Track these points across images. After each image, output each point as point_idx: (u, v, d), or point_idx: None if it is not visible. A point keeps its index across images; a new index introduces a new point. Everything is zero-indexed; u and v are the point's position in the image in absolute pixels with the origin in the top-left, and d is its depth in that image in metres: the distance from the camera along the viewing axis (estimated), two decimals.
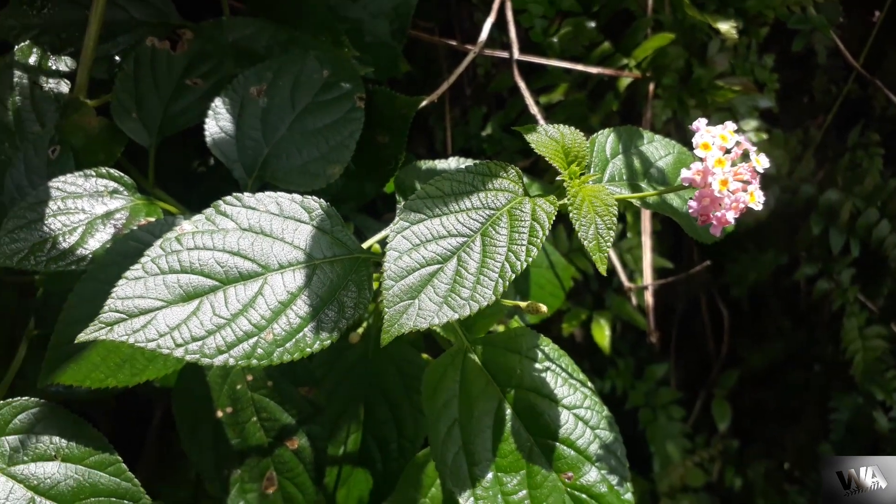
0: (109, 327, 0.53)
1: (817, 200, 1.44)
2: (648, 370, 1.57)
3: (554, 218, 0.53)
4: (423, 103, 0.80)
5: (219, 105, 0.74)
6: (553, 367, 0.60)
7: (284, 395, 0.75)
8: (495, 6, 0.92)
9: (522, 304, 0.63)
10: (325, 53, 0.78)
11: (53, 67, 0.79)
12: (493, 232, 0.53)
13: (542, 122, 1.00)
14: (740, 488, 1.62)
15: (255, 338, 0.55)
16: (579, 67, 0.98)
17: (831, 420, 1.58)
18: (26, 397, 0.66)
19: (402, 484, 0.76)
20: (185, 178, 0.88)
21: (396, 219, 0.53)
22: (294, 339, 0.55)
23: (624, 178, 0.60)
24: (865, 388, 1.54)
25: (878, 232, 1.41)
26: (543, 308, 0.61)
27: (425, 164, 0.77)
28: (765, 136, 1.21)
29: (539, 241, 0.52)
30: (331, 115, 0.76)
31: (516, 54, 0.92)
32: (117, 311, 0.53)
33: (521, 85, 0.91)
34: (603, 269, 0.51)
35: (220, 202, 0.58)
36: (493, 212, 0.54)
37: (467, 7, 1.29)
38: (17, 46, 0.78)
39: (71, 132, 0.77)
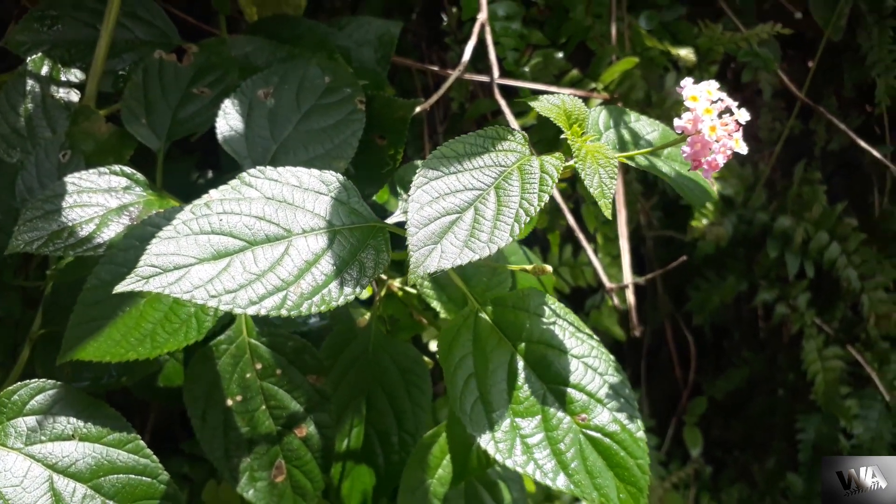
0: (145, 280, 0.55)
1: (772, 227, 1.53)
2: None
3: (561, 170, 0.58)
4: (418, 109, 0.85)
5: (228, 106, 0.78)
6: (560, 321, 0.64)
7: (293, 383, 0.77)
8: (475, 29, 1.00)
9: (528, 266, 0.67)
10: (325, 62, 0.83)
11: (64, 78, 0.83)
12: (506, 185, 0.58)
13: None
14: None
15: (284, 291, 0.58)
16: (553, 89, 1.05)
17: (798, 440, 1.63)
18: (43, 379, 0.67)
19: (409, 466, 0.78)
20: (186, 192, 0.91)
21: (416, 175, 0.58)
22: (320, 294, 0.58)
23: (617, 147, 0.66)
24: (827, 408, 1.60)
25: (829, 254, 1.50)
26: (549, 269, 0.66)
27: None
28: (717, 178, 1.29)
29: (549, 189, 0.57)
30: (334, 117, 0.81)
31: (496, 75, 0.99)
32: (153, 266, 0.56)
33: (503, 104, 0.98)
34: (608, 214, 0.56)
35: (245, 174, 0.62)
36: (503, 168, 0.59)
37: (437, 50, 1.38)
38: (29, 58, 0.82)
39: (81, 138, 0.80)
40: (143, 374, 0.76)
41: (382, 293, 0.88)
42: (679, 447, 1.67)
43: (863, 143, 1.28)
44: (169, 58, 0.84)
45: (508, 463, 0.59)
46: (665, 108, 1.19)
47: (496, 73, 1.00)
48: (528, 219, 0.56)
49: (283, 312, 0.57)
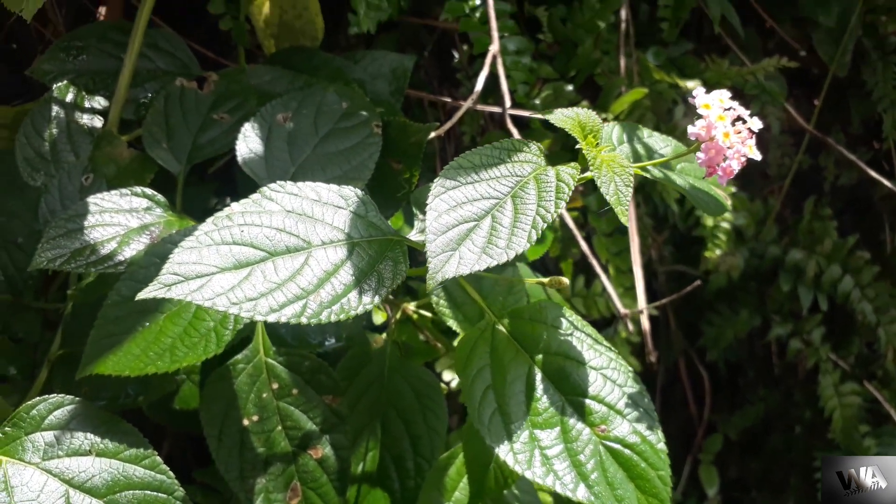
0: (168, 287, 0.56)
1: (784, 260, 1.53)
2: None
3: (577, 179, 0.59)
4: (433, 134, 0.87)
5: (248, 130, 0.80)
6: (578, 333, 0.64)
7: (309, 404, 0.76)
8: (487, 61, 1.02)
9: (545, 279, 0.67)
10: (342, 88, 0.85)
11: (88, 105, 0.85)
12: (523, 194, 0.59)
13: None
14: None
15: (304, 300, 0.58)
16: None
17: (816, 479, 1.60)
18: (62, 395, 0.67)
19: (426, 488, 0.77)
20: (204, 216, 0.93)
21: (434, 185, 0.59)
22: (339, 303, 0.59)
23: (631, 161, 0.67)
24: (846, 446, 1.57)
25: (842, 287, 1.50)
26: (566, 281, 0.66)
27: None
28: (732, 189, 1.30)
29: (566, 196, 0.58)
30: (351, 140, 0.82)
31: (508, 105, 1.01)
32: (175, 274, 0.57)
33: (515, 133, 0.99)
34: (625, 220, 0.57)
35: (266, 188, 0.63)
36: (520, 178, 0.60)
37: (449, 87, 1.40)
38: (55, 85, 0.84)
39: (103, 162, 0.81)
40: (161, 393, 0.76)
41: (398, 316, 0.88)
42: (695, 487, 1.65)
43: (874, 174, 1.28)
44: (190, 85, 0.86)
45: (528, 474, 0.58)
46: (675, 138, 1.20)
47: (508, 102, 1.01)
48: (545, 224, 0.56)
49: (304, 320, 0.57)
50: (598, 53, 1.22)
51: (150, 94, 0.89)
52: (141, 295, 0.55)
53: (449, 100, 1.08)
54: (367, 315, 0.93)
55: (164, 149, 0.82)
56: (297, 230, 0.62)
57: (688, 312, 1.69)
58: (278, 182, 0.64)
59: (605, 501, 0.57)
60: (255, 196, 0.63)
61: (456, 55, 1.32)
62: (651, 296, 1.71)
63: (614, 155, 0.60)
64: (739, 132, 0.57)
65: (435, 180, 0.59)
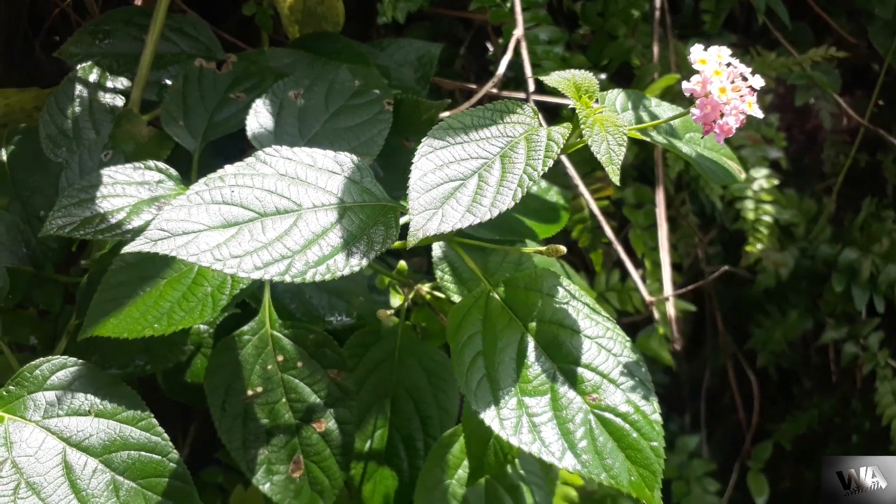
0: (153, 242, 0.56)
1: (837, 261, 1.46)
2: (680, 441, 1.54)
3: (567, 138, 0.57)
4: (447, 113, 0.86)
5: (259, 106, 0.81)
6: (575, 302, 0.62)
7: (314, 377, 0.76)
8: (511, 44, 1.01)
9: (542, 248, 0.66)
10: (355, 67, 0.86)
11: (110, 85, 0.87)
12: (512, 154, 0.57)
13: (566, 161, 1.06)
14: None
15: (290, 259, 0.58)
16: None
17: None
18: (65, 356, 0.68)
19: (427, 465, 0.76)
20: None
21: (421, 144, 0.58)
22: (326, 264, 0.58)
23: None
24: None
25: None
26: (563, 249, 0.64)
27: None
28: (776, 182, 1.25)
29: (555, 154, 0.56)
30: (361, 117, 0.82)
31: (532, 90, 0.99)
32: (162, 230, 0.57)
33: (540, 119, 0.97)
34: (616, 181, 0.55)
35: (261, 152, 0.64)
36: (510, 139, 0.59)
37: (486, 81, 1.40)
38: (79, 65, 0.87)
39: (123, 139, 0.83)
40: (168, 363, 0.77)
41: (411, 296, 0.88)
42: (743, 494, 1.58)
43: None
44: (209, 66, 0.88)
45: (514, 441, 0.57)
46: None
47: (532, 87, 1.00)
48: (532, 183, 0.55)
49: (287, 278, 0.57)
50: (633, 41, 1.19)
51: (173, 76, 0.91)
52: (126, 248, 0.56)
53: (474, 86, 1.07)
54: (385, 298, 0.92)
55: (181, 126, 0.84)
56: (288, 193, 0.62)
57: (736, 315, 1.63)
58: (274, 147, 0.64)
59: (592, 470, 0.55)
60: (249, 159, 0.63)
61: (490, 48, 1.32)
62: (698, 298, 1.66)
63: (609, 115, 0.58)
64: (739, 89, 0.55)
65: (423, 139, 0.58)
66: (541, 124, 0.60)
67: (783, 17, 1.31)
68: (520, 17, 1.02)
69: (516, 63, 1.08)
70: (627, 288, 1.25)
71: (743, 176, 0.67)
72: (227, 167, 0.62)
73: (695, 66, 0.55)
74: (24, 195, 0.83)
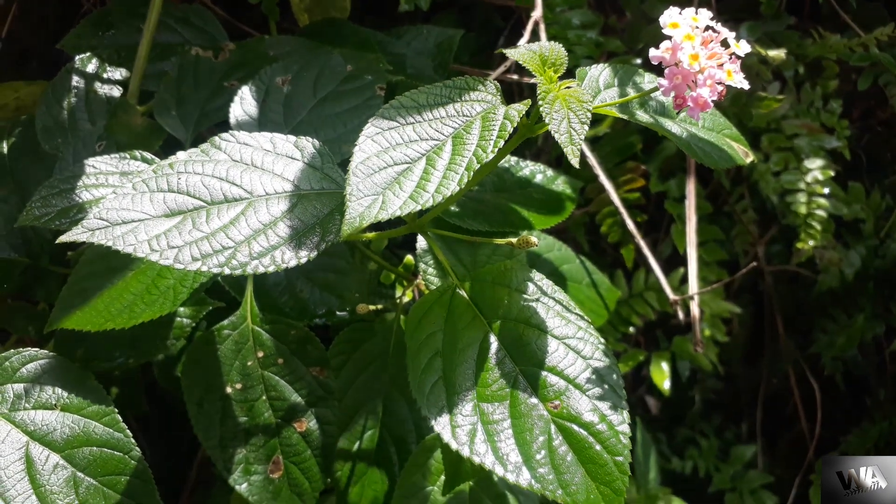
0: (91, 231, 0.54)
1: None
2: (735, 451, 1.45)
3: (524, 114, 0.52)
4: None
5: (245, 92, 0.78)
6: (545, 299, 0.57)
7: (295, 375, 0.73)
8: (529, 26, 0.95)
9: (514, 239, 0.60)
10: (351, 52, 0.82)
11: (109, 76, 0.87)
12: (465, 135, 0.52)
13: (588, 152, 0.99)
14: None
15: (231, 250, 0.55)
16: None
17: None
18: (35, 349, 0.68)
19: (408, 469, 0.72)
20: None
21: (368, 125, 0.54)
22: (271, 255, 0.55)
23: (616, 107, 0.59)
24: None
25: None
26: (534, 241, 0.59)
27: None
28: (831, 173, 1.14)
29: (507, 133, 0.51)
30: (350, 102, 0.78)
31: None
32: (101, 219, 0.55)
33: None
34: (575, 163, 0.49)
35: (217, 137, 0.61)
36: (466, 118, 0.54)
37: (522, 71, 1.34)
38: (77, 56, 0.86)
39: (118, 130, 0.82)
40: (149, 357, 0.75)
41: (409, 292, 0.83)
42: None
43: None
44: (206, 54, 0.86)
45: (464, 452, 0.52)
46: (763, 126, 1.07)
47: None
48: (479, 165, 0.50)
49: (227, 271, 0.54)
50: None
51: None
52: (61, 238, 0.54)
53: (491, 73, 1.01)
54: (383, 299, 0.89)
55: (173, 115, 0.82)
56: (240, 180, 0.58)
57: (800, 319, 1.51)
58: (231, 132, 0.61)
59: (547, 486, 0.49)
60: (204, 145, 0.60)
61: (525, 35, 1.26)
62: (757, 298, 1.55)
63: (574, 90, 0.52)
64: (716, 55, 0.48)
65: (370, 119, 0.54)
66: (503, 102, 0.55)
67: None
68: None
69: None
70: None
71: (749, 159, 0.60)
72: (180, 153, 0.60)
73: (665, 31, 0.49)
74: (23, 186, 0.84)
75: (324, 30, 0.94)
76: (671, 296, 0.88)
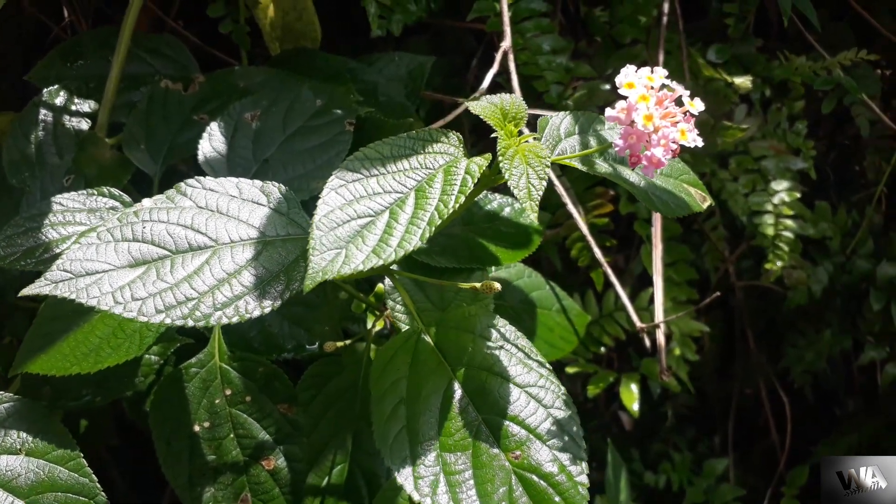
0: (54, 284, 0.54)
1: (875, 276, 1.35)
2: (707, 465, 1.47)
3: (484, 168, 0.53)
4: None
5: (213, 128, 0.78)
6: (508, 346, 0.57)
7: (263, 412, 0.73)
8: (498, 57, 0.96)
9: (478, 284, 0.61)
10: (320, 85, 0.82)
11: (77, 109, 0.86)
12: (428, 188, 0.53)
13: (555, 180, 1.00)
14: None
15: (195, 301, 0.55)
16: None
17: None
18: (0, 391, 0.67)
19: None
20: None
21: (332, 177, 0.54)
22: (234, 305, 0.55)
23: (576, 153, 0.60)
24: None
25: None
26: (497, 286, 0.59)
27: None
28: (797, 195, 1.16)
29: (468, 189, 0.51)
30: (319, 138, 0.79)
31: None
32: (65, 271, 0.55)
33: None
34: (534, 218, 0.50)
35: (182, 183, 0.61)
36: (429, 171, 0.54)
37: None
38: (45, 89, 0.86)
39: (86, 164, 0.82)
40: (115, 395, 0.75)
41: (378, 325, 0.84)
42: None
43: None
44: (175, 87, 0.86)
45: (427, 503, 0.52)
46: (731, 148, 1.09)
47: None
48: (441, 220, 0.50)
49: (190, 322, 0.54)
50: (639, 48, 1.13)
51: None
52: (24, 291, 0.54)
53: (459, 100, 1.02)
54: (357, 323, 0.89)
55: (142, 150, 0.82)
56: (205, 228, 0.59)
57: (770, 334, 1.54)
58: (196, 178, 0.61)
59: None
60: (169, 192, 0.60)
61: (494, 66, 1.26)
62: (727, 313, 1.57)
63: (533, 144, 0.53)
64: (670, 114, 0.49)
65: (335, 171, 0.54)
66: (465, 154, 0.55)
67: (811, 18, 1.22)
68: (507, 28, 0.97)
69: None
70: (637, 307, 1.19)
71: (706, 204, 0.61)
72: (145, 201, 0.60)
73: (621, 91, 0.50)
74: None
75: (295, 59, 0.95)
76: (638, 323, 0.89)
